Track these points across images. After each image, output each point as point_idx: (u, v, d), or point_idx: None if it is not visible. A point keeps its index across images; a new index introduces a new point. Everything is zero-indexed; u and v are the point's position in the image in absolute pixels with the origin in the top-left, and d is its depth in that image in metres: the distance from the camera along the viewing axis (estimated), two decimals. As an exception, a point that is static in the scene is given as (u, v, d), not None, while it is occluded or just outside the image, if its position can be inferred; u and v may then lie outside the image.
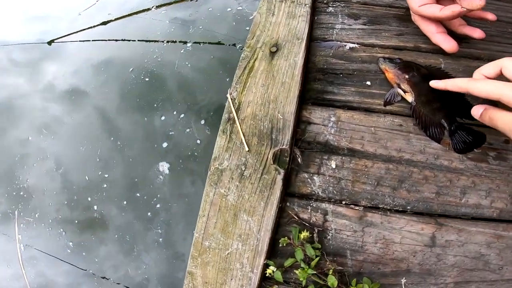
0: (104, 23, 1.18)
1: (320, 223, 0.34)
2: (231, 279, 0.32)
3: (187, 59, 0.84)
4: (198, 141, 0.72)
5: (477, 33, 0.41)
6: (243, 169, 0.35)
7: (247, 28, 0.64)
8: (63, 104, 0.90)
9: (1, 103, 0.97)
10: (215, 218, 0.34)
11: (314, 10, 0.51)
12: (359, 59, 0.43)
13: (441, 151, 0.36)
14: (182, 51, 0.84)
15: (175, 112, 0.74)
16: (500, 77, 0.33)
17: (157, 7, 1.13)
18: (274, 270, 0.32)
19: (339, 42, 0.45)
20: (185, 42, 0.92)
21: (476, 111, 0.33)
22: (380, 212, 0.34)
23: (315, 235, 0.33)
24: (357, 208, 0.34)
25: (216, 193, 0.34)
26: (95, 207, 0.69)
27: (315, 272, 0.32)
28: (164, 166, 0.68)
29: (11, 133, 0.88)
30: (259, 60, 0.41)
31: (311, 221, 0.34)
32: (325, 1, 0.52)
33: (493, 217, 0.34)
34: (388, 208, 0.34)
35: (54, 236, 0.68)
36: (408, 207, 0.34)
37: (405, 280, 0.32)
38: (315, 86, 0.40)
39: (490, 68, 0.33)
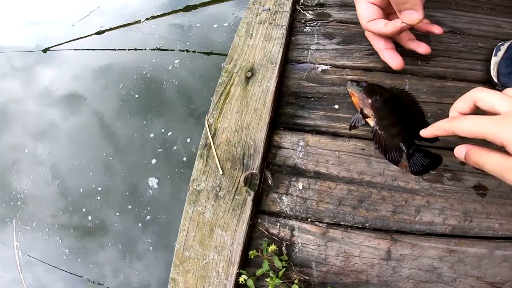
0: (99, 32, 1.21)
1: (288, 238, 0.38)
2: (209, 285, 0.36)
3: (176, 75, 0.86)
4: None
5: (422, 48, 0.41)
6: (218, 190, 0.39)
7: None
8: (59, 109, 0.94)
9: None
10: (194, 232, 0.38)
11: (292, 30, 0.53)
12: (330, 81, 0.45)
13: (399, 173, 0.39)
14: (170, 68, 0.87)
15: (163, 130, 0.78)
16: (478, 111, 0.30)
17: (148, 19, 1.14)
18: (246, 278, 0.36)
19: (312, 64, 0.47)
20: (182, 51, 0.94)
21: (459, 153, 0.31)
22: (341, 229, 0.38)
23: (283, 248, 0.38)
24: (320, 225, 0.38)
25: (194, 211, 0.39)
26: (90, 215, 0.74)
27: (282, 281, 0.36)
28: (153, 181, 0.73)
29: (4, 138, 0.92)
30: (235, 86, 0.44)
31: (279, 236, 0.38)
32: (303, 21, 0.54)
33: (446, 233, 0.37)
34: (349, 225, 0.38)
35: (50, 243, 0.73)
36: (367, 224, 0.38)
37: None
38: (287, 111, 0.43)
39: (462, 104, 0.31)
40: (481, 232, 0.37)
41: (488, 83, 0.45)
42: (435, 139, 0.38)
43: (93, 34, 1.21)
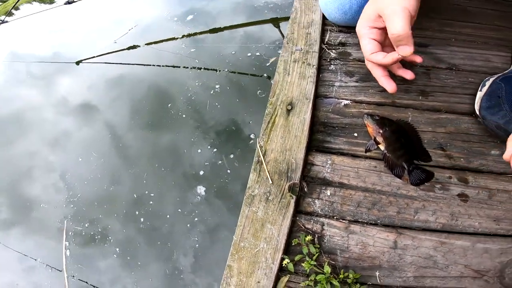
0: (131, 47, 1.36)
1: (319, 231, 0.53)
2: (258, 269, 0.47)
3: (217, 98, 1.00)
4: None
5: (408, 74, 0.52)
6: (268, 195, 0.54)
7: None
8: (75, 118, 1.05)
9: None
10: (249, 227, 0.51)
11: (320, 68, 0.66)
12: (351, 114, 0.59)
13: (402, 184, 0.53)
14: (212, 92, 1.02)
15: (208, 147, 0.92)
16: None
17: (182, 37, 1.28)
18: (288, 262, 0.47)
19: (336, 99, 0.61)
20: (217, 70, 1.09)
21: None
22: (359, 225, 0.52)
23: (315, 239, 0.52)
24: (344, 221, 0.52)
25: (249, 210, 0.53)
26: (101, 222, 0.85)
27: (315, 263, 0.50)
28: (201, 189, 0.88)
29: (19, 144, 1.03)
30: (279, 117, 0.59)
31: (313, 230, 0.53)
32: (328, 59, 0.67)
33: (437, 229, 0.50)
34: (365, 221, 0.52)
35: (57, 247, 0.82)
36: (378, 221, 0.52)
37: (378, 273, 0.47)
38: (318, 137, 0.58)
39: None
40: (464, 229, 0.50)
41: (473, 115, 0.58)
42: (429, 159, 0.51)
43: (126, 49, 1.36)
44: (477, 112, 0.55)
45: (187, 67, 1.10)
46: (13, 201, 0.99)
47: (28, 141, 1.11)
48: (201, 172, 0.90)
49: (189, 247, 0.83)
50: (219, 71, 1.09)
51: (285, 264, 0.48)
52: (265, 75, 1.07)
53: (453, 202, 0.52)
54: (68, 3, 1.19)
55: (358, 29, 0.52)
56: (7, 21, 1.59)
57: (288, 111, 0.60)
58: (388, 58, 0.49)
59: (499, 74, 0.57)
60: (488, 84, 0.56)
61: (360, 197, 0.53)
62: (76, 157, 1.01)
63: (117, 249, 0.85)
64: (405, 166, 0.52)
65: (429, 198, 0.52)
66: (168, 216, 0.87)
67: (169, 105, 1.03)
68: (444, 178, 0.53)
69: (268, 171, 0.55)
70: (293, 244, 0.50)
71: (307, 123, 0.57)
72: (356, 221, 0.52)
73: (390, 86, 0.52)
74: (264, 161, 0.56)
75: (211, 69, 1.06)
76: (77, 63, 1.39)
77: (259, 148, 0.57)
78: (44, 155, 1.06)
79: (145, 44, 1.32)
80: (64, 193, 0.95)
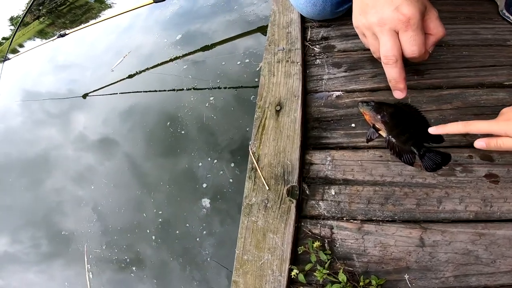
0: (130, 76, 1.40)
1: (329, 235, 0.46)
2: (266, 283, 0.43)
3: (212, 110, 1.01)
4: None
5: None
6: (266, 202, 0.49)
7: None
8: (95, 152, 1.09)
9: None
10: (250, 238, 0.47)
11: (306, 65, 0.64)
12: (344, 105, 0.55)
13: (415, 172, 0.47)
14: (207, 105, 1.02)
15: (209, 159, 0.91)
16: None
17: (176, 58, 1.32)
18: (297, 272, 0.42)
19: (327, 93, 0.57)
20: (210, 89, 1.09)
21: (480, 144, 0.40)
22: (374, 223, 0.45)
23: (325, 244, 0.46)
24: (355, 222, 0.46)
25: (249, 221, 0.48)
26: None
27: (329, 271, 0.44)
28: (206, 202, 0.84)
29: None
30: (268, 119, 0.56)
31: (321, 235, 0.46)
32: (313, 55, 0.65)
33: (470, 218, 0.43)
34: (380, 219, 0.46)
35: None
36: (396, 217, 0.45)
37: (407, 276, 0.40)
38: (313, 134, 0.53)
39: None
40: (503, 215, 0.42)
41: (479, 86, 0.52)
42: (442, 140, 0.46)
43: (126, 78, 1.40)
44: (504, 12, 0.51)
45: (182, 89, 1.11)
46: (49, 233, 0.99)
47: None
48: (204, 185, 0.86)
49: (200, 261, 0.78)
50: (212, 89, 1.08)
51: (294, 275, 0.43)
52: (256, 80, 1.07)
53: (482, 186, 0.45)
54: (61, 36, 1.24)
55: (356, 24, 0.49)
56: (9, 58, 1.69)
57: (278, 111, 0.56)
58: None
59: None
60: None
61: (369, 192, 0.47)
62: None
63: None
64: (415, 151, 0.46)
65: (451, 184, 0.45)
66: (177, 232, 0.83)
67: (168, 123, 1.02)
68: (463, 158, 0.47)
69: (263, 177, 0.50)
70: (299, 252, 0.44)
71: (299, 121, 0.53)
72: (369, 220, 0.46)
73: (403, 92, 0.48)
74: (258, 167, 0.51)
75: (204, 88, 1.06)
76: (84, 96, 1.44)
77: (251, 154, 0.53)
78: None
79: (141, 71, 1.36)
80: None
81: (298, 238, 0.47)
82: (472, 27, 0.60)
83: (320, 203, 0.48)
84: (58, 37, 1.26)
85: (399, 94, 0.47)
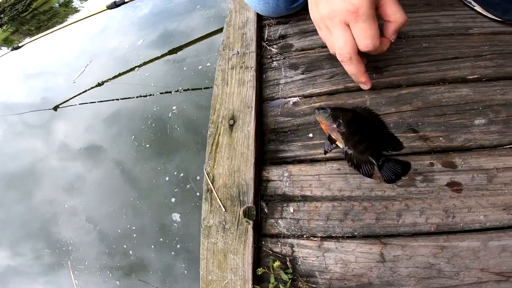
0: (99, 84, 1.35)
1: (290, 254, 0.44)
2: None
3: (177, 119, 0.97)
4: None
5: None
6: (224, 224, 0.46)
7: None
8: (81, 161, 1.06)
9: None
10: (212, 259, 0.45)
11: (262, 69, 0.59)
12: (302, 112, 0.51)
13: (374, 184, 0.44)
14: (169, 115, 0.97)
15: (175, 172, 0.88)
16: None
17: (140, 65, 1.26)
18: None
19: (284, 99, 0.53)
20: (177, 91, 1.04)
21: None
22: (333, 240, 0.43)
23: (288, 263, 0.44)
24: (315, 239, 0.44)
25: (209, 242, 0.46)
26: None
27: (292, 290, 0.42)
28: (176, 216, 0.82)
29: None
30: (222, 135, 0.52)
31: (282, 253, 0.45)
32: (269, 56, 0.60)
33: (431, 231, 0.40)
34: (340, 235, 0.44)
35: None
36: (355, 233, 0.43)
37: None
38: (270, 148, 0.50)
39: None
40: (467, 226, 0.40)
41: (440, 82, 0.49)
42: (401, 147, 0.43)
43: (95, 86, 1.35)
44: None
45: (144, 95, 1.06)
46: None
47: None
48: (173, 200, 0.84)
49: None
50: (176, 91, 1.03)
51: None
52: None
53: (443, 195, 0.42)
54: (14, 48, 1.18)
55: (312, 17, 0.44)
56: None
57: (231, 126, 0.52)
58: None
59: None
60: None
61: (328, 208, 0.45)
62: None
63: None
64: (373, 161, 0.43)
65: (411, 196, 0.43)
66: (153, 246, 0.81)
67: (133, 137, 0.98)
68: (424, 166, 0.44)
69: (219, 199, 0.48)
70: (258, 273, 0.43)
71: (252, 136, 0.49)
72: (329, 237, 0.44)
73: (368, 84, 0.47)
74: (214, 188, 0.49)
75: (165, 92, 1.01)
76: (55, 108, 1.41)
77: (206, 175, 0.50)
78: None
79: (103, 82, 1.31)
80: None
81: (260, 257, 0.45)
82: (432, 15, 0.55)
83: (280, 221, 0.46)
84: (11, 49, 1.19)
85: (363, 87, 0.47)
